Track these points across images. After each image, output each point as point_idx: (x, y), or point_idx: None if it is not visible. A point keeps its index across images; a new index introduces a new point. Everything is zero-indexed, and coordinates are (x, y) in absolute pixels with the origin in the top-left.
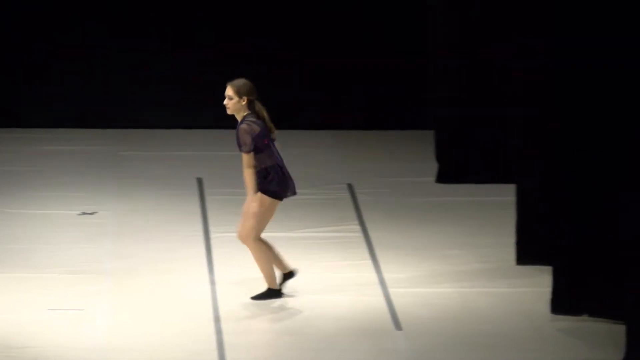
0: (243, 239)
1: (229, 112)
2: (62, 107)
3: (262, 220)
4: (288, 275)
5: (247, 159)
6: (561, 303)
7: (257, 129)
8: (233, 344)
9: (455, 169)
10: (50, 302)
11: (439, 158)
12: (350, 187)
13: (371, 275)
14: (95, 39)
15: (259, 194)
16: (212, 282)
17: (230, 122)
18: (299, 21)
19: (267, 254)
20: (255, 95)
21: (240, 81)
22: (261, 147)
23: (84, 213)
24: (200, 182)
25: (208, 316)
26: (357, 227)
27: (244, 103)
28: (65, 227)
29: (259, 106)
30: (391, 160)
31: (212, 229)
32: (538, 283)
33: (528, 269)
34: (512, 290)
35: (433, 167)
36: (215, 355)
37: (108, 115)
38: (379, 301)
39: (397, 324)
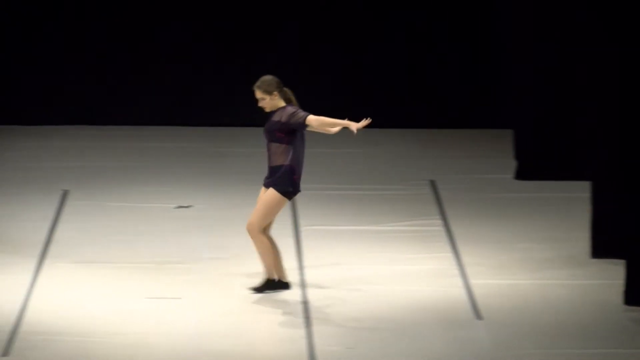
0: (249, 228)
1: (267, 110)
2: (166, 105)
3: (270, 214)
4: (279, 284)
5: (313, 117)
6: (634, 295)
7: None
8: (320, 331)
9: (533, 166)
10: (149, 291)
11: (518, 156)
12: (433, 184)
13: (452, 267)
14: (188, 37)
15: (274, 191)
16: (301, 273)
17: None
18: (378, 24)
19: (269, 247)
20: (281, 86)
21: (264, 80)
22: (293, 138)
23: (180, 206)
24: None
25: (296, 304)
26: (439, 222)
27: (276, 97)
28: (162, 219)
29: (287, 93)
30: (471, 157)
31: (302, 222)
32: (612, 276)
33: (602, 262)
34: (587, 282)
35: (511, 164)
36: (304, 343)
37: (207, 113)
38: (460, 292)
39: (478, 314)
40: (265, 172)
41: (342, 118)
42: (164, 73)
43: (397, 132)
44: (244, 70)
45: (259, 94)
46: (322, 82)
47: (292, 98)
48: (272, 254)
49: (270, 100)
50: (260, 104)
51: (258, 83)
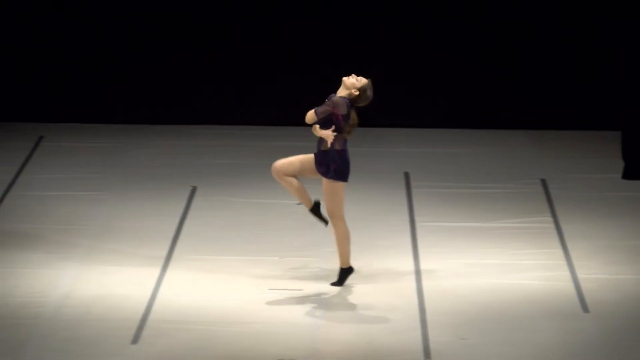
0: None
1: (348, 80)
2: (291, 105)
3: (339, 202)
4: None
5: (310, 115)
6: None
7: (344, 110)
8: (434, 322)
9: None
10: (272, 282)
11: (625, 156)
12: (544, 182)
13: (561, 262)
14: (318, 37)
15: (331, 181)
16: (416, 266)
17: (437, 121)
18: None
19: (346, 234)
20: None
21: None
22: (341, 127)
23: (301, 203)
24: (407, 176)
25: (411, 296)
26: (550, 219)
27: (355, 93)
28: (284, 215)
29: (354, 113)
30: (581, 158)
31: (417, 218)
32: None
33: None
34: None
35: (619, 164)
36: (418, 334)
37: None
38: (568, 285)
39: (585, 307)
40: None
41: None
42: (288, 74)
43: (509, 133)
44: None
45: (356, 80)
46: (442, 82)
47: (355, 117)
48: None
49: (353, 85)
50: (356, 77)
51: (366, 80)
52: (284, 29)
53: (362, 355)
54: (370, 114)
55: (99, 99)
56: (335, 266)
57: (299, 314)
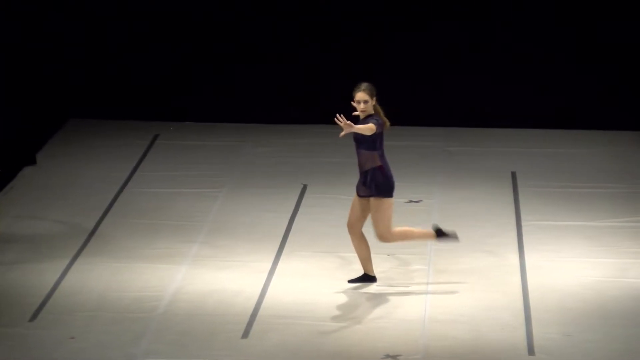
0: (385, 240)
1: (363, 116)
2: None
3: (388, 218)
4: (370, 278)
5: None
6: None
7: (380, 129)
8: (539, 319)
9: None
10: (378, 279)
11: None
12: None
13: None
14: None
15: (379, 199)
16: (521, 264)
17: (544, 121)
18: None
19: (365, 245)
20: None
21: (367, 84)
22: (378, 144)
23: (411, 201)
24: (514, 175)
25: (516, 293)
26: None
27: (374, 103)
28: (396, 213)
29: (377, 105)
30: None
31: (524, 217)
32: None
33: None
34: None
35: None
36: (523, 331)
37: (438, 114)
38: None
39: None
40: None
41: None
42: (400, 75)
43: (617, 134)
44: (484, 69)
45: (364, 96)
46: (550, 82)
47: (380, 110)
48: (366, 250)
49: (370, 105)
50: (361, 107)
51: (362, 86)
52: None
53: (469, 351)
54: (479, 115)
55: (215, 97)
56: (437, 262)
57: (406, 310)
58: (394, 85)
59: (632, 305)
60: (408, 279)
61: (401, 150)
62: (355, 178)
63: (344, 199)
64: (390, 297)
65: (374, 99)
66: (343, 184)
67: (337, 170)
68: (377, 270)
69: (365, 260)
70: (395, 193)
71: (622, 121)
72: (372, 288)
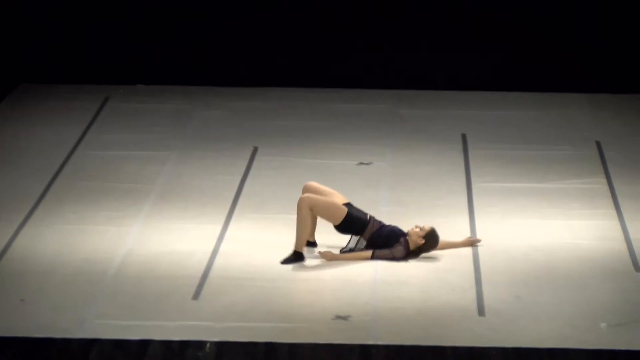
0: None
1: (413, 231)
2: (350, 68)
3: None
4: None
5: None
6: None
7: (401, 257)
8: (489, 281)
9: None
10: (329, 241)
11: None
12: (599, 145)
13: (614, 222)
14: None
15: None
16: (471, 226)
17: (494, 84)
18: None
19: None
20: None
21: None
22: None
23: (361, 163)
24: (464, 138)
25: (467, 256)
26: (604, 180)
27: (421, 242)
28: (344, 175)
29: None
30: (638, 121)
31: (474, 179)
32: None
33: None
34: None
35: None
36: (473, 292)
37: (388, 77)
38: (621, 245)
39: (637, 266)
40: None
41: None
42: (349, 37)
43: (566, 96)
44: (421, 35)
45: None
46: (501, 45)
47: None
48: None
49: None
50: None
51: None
52: None
53: (419, 312)
54: (428, 76)
55: (163, 60)
56: (394, 224)
57: (357, 272)
58: (343, 47)
59: (581, 267)
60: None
61: (352, 113)
62: (305, 139)
63: (294, 161)
64: (342, 259)
65: (423, 241)
66: (293, 146)
67: (288, 133)
68: (326, 232)
69: (311, 233)
70: (346, 155)
71: (573, 83)
72: (324, 249)
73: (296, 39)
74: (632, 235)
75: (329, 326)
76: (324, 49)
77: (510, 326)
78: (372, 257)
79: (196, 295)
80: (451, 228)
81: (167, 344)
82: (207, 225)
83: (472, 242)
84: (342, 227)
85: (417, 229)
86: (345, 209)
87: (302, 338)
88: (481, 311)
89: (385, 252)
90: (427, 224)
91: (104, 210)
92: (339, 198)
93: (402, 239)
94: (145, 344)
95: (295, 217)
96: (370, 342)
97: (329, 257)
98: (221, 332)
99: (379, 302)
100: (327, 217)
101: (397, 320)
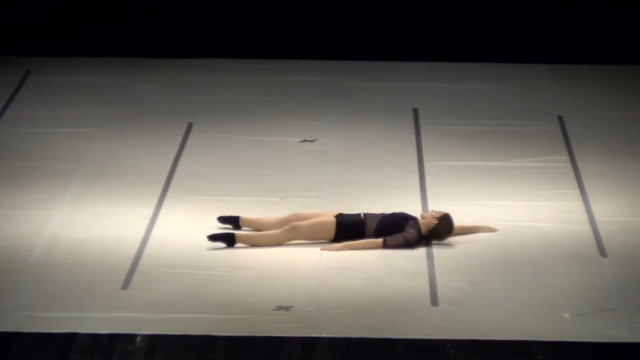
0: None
1: (428, 214)
2: (294, 37)
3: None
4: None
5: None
6: None
7: (414, 241)
8: (443, 266)
9: None
10: None
11: None
12: (561, 120)
13: (578, 203)
14: None
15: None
16: (425, 210)
17: (440, 55)
18: None
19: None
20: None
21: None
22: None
23: (305, 140)
24: (416, 112)
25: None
26: (566, 158)
27: (434, 222)
28: (286, 153)
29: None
30: (602, 94)
31: (426, 157)
32: None
33: None
34: None
35: None
36: (425, 278)
37: (334, 47)
38: (585, 228)
39: (602, 251)
40: None
41: None
42: (292, 4)
43: (525, 67)
44: (368, 1)
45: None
46: (454, 12)
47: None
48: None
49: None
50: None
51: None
52: None
53: (367, 301)
54: (377, 45)
55: (91, 32)
56: (336, 206)
57: (301, 258)
58: (286, 15)
59: (540, 251)
60: None
61: (295, 86)
62: (243, 115)
63: (232, 138)
64: (284, 245)
65: (437, 221)
66: (231, 122)
67: (227, 108)
68: (268, 215)
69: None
70: (291, 133)
71: (532, 53)
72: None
73: (233, 7)
74: (597, 218)
75: (270, 317)
76: (264, 17)
77: (465, 316)
78: (385, 246)
79: (126, 284)
80: (401, 211)
81: (94, 338)
82: (137, 208)
83: (491, 230)
84: (339, 238)
85: (433, 212)
86: (334, 219)
87: (240, 330)
88: (434, 300)
89: (398, 237)
90: (443, 209)
91: (26, 192)
92: (327, 214)
93: (411, 222)
94: (71, 337)
95: (236, 198)
96: (314, 334)
97: (335, 248)
98: (153, 324)
99: (324, 291)
100: (320, 237)
101: (343, 311)
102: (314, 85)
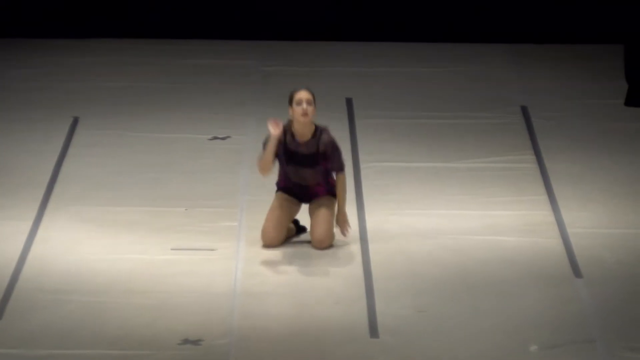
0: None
1: (305, 120)
2: (202, 15)
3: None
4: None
5: (342, 178)
6: None
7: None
8: (384, 291)
9: None
10: (177, 240)
11: (629, 77)
12: (525, 110)
13: (547, 213)
14: None
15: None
16: (360, 220)
17: (379, 34)
18: None
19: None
20: None
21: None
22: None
23: (216, 138)
24: (349, 102)
25: (355, 257)
26: (532, 157)
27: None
28: (193, 153)
29: None
30: (572, 79)
31: (363, 157)
32: None
33: None
34: None
35: (622, 87)
36: (364, 305)
37: (251, 25)
38: (556, 243)
39: (577, 271)
40: None
41: None
42: None
43: (481, 48)
44: None
45: (308, 95)
46: None
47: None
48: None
49: (314, 109)
50: (308, 109)
51: (303, 86)
52: None
53: (291, 332)
54: (304, 24)
55: None
56: (252, 217)
57: (212, 280)
58: None
59: (500, 268)
60: (214, 239)
61: (205, 71)
62: (141, 106)
63: (130, 135)
64: (191, 264)
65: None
66: (125, 115)
67: (121, 99)
68: (171, 228)
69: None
70: (199, 129)
71: (489, 31)
72: (167, 252)
73: None
74: (569, 230)
75: (174, 353)
76: None
77: (410, 349)
78: (339, 173)
79: (0, 314)
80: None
81: None
82: (12, 221)
83: (340, 224)
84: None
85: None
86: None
87: None
88: (373, 331)
89: (334, 160)
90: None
91: None
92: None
93: (323, 146)
94: None
95: (133, 208)
96: None
97: (344, 218)
98: None
99: (240, 320)
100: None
101: (263, 344)
102: (226, 69)
